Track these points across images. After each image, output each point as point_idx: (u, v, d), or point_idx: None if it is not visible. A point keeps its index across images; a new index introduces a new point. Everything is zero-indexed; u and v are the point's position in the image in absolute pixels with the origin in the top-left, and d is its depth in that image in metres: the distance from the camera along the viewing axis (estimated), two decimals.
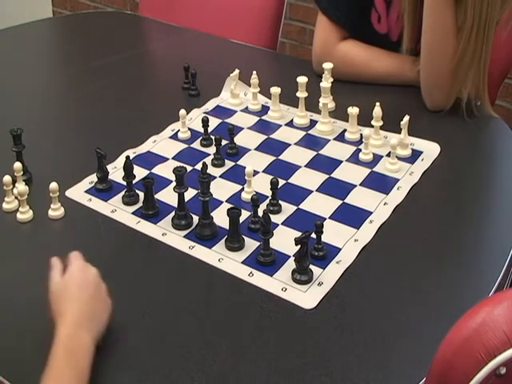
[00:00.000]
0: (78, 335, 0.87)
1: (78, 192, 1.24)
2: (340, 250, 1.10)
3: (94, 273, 0.96)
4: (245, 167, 1.21)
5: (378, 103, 1.32)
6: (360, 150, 1.33)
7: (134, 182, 1.21)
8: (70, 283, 0.93)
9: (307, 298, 1.01)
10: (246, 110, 1.49)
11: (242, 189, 1.22)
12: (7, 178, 1.18)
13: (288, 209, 1.19)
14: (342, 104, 1.44)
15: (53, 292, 0.92)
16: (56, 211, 1.18)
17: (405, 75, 1.53)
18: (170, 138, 1.39)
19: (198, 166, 1.24)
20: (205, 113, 1.47)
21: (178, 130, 1.40)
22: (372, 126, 1.34)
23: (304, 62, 1.64)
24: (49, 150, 1.39)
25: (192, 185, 1.18)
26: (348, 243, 1.11)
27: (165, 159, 1.32)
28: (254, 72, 1.48)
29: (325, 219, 1.16)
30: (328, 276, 1.05)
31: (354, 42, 1.58)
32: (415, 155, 1.32)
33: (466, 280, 1.06)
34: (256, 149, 1.35)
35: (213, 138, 1.33)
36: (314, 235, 1.06)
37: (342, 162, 1.31)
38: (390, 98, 1.48)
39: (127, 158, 1.20)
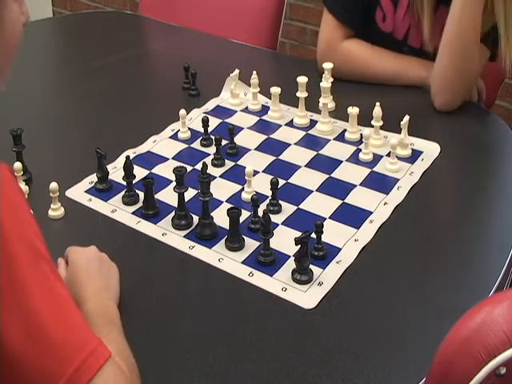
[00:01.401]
0: (105, 304, 0.92)
1: (78, 192, 1.24)
2: (340, 249, 1.10)
3: (91, 249, 1.01)
4: (245, 167, 1.21)
5: (378, 103, 1.32)
6: (360, 150, 1.33)
7: (134, 182, 1.21)
8: (75, 270, 0.97)
9: (307, 297, 1.01)
10: (245, 110, 1.49)
11: (242, 189, 1.22)
12: None
13: (288, 209, 1.18)
14: (342, 104, 1.44)
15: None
16: (56, 211, 1.18)
17: (409, 76, 1.53)
18: (170, 137, 1.39)
19: (198, 166, 1.24)
20: (205, 113, 1.47)
21: (178, 130, 1.40)
22: (372, 126, 1.34)
23: (304, 62, 1.64)
24: (49, 149, 1.39)
25: (192, 185, 1.18)
26: (348, 243, 1.11)
27: (165, 159, 1.32)
28: (254, 72, 1.48)
29: (325, 219, 1.16)
30: (328, 276, 1.05)
31: (358, 41, 1.58)
32: (415, 155, 1.32)
33: (466, 280, 1.06)
34: (256, 149, 1.35)
35: (213, 137, 1.33)
36: (313, 235, 1.06)
37: (341, 161, 1.31)
38: (390, 98, 1.48)
39: (127, 158, 1.20)
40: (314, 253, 1.07)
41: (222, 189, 1.23)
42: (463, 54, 1.43)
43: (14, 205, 0.72)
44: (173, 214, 1.16)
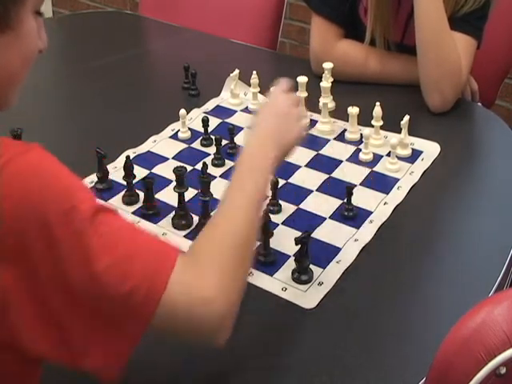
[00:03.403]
0: (262, 152, 0.94)
1: None
2: (340, 249, 1.10)
3: (284, 100, 1.04)
4: None
5: (378, 103, 1.32)
6: (360, 150, 1.33)
7: (134, 181, 1.21)
8: (263, 108, 1.04)
9: (307, 297, 1.01)
10: (246, 110, 1.49)
11: None
12: None
13: (288, 209, 1.18)
14: (342, 104, 1.44)
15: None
16: None
17: (405, 76, 1.53)
18: (170, 137, 1.39)
19: (198, 166, 1.24)
20: (205, 113, 1.47)
21: (178, 130, 1.40)
22: (372, 126, 1.34)
23: (304, 62, 1.64)
24: (49, 149, 1.38)
25: (192, 185, 1.18)
26: (348, 243, 1.11)
27: (165, 159, 1.32)
28: (254, 72, 1.48)
29: (325, 219, 1.16)
30: (328, 276, 1.05)
31: (352, 42, 1.58)
32: (415, 155, 1.32)
33: (466, 280, 1.06)
34: None
35: (213, 137, 1.33)
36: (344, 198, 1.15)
37: (342, 161, 1.31)
38: (390, 98, 1.48)
39: (127, 157, 1.20)
40: (344, 213, 1.16)
41: (222, 189, 1.22)
42: (437, 46, 1.43)
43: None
44: (173, 213, 1.16)
